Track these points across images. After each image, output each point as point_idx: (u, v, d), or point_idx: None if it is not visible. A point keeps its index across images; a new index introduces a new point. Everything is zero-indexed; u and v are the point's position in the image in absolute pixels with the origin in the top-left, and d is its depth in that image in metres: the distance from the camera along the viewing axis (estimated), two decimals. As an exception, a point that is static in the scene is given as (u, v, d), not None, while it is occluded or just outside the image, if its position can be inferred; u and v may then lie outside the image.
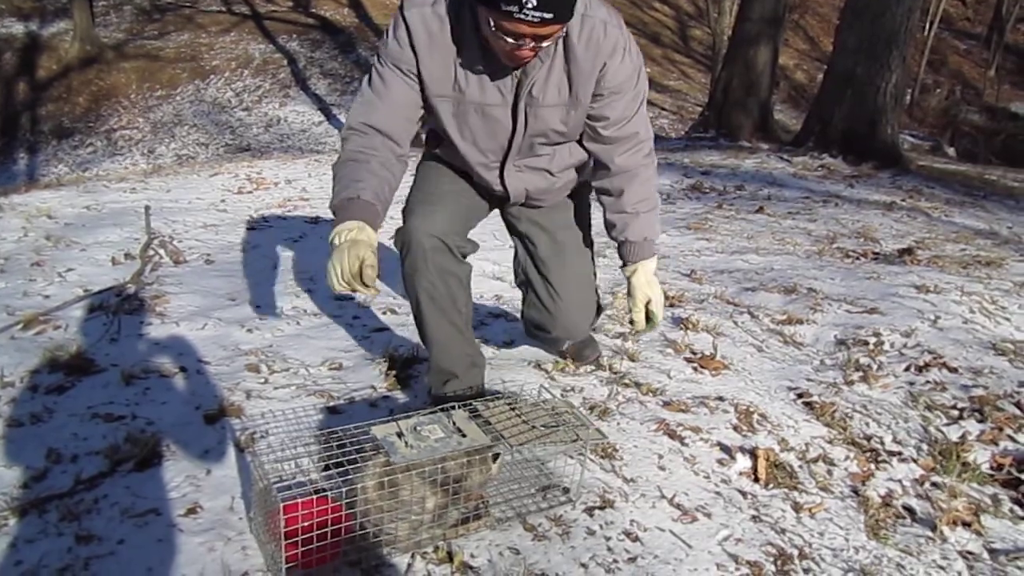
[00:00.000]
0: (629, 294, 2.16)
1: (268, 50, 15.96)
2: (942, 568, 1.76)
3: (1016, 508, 1.97)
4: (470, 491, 1.71)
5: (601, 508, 1.87)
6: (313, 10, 17.55)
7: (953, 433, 2.26)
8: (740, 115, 9.70)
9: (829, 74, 8.28)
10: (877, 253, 4.09)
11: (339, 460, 1.67)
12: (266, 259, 3.75)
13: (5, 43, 14.87)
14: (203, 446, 2.07)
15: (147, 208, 4.46)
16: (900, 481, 2.07)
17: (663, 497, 1.94)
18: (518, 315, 3.01)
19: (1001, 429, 2.26)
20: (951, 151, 13.30)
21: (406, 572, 1.63)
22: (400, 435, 1.68)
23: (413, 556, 1.67)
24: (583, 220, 2.33)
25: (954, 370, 2.60)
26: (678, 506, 1.91)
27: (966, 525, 1.90)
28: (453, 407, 1.82)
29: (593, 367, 2.58)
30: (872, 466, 2.13)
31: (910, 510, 1.96)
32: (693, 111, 15.38)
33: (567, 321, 2.34)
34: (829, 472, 2.10)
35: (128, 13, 16.90)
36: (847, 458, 2.16)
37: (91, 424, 2.18)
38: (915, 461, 2.15)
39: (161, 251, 3.78)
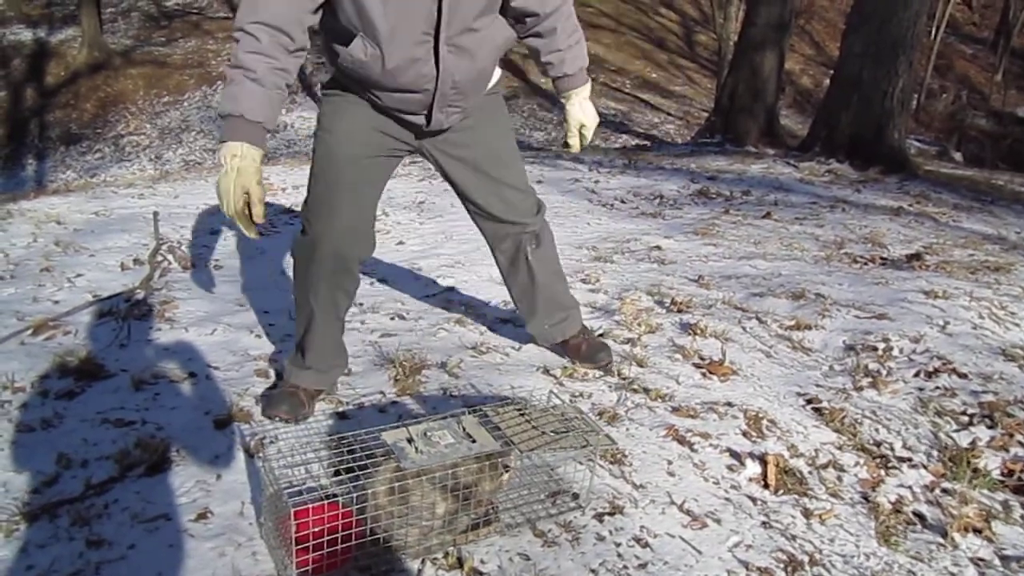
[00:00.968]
0: (566, 120, 2.40)
1: (275, 56, 15.98)
2: (953, 575, 1.76)
3: (1027, 514, 1.97)
4: (480, 497, 1.71)
5: (611, 514, 1.87)
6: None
7: (963, 439, 2.25)
8: (746, 120, 9.70)
9: (835, 79, 8.28)
10: (885, 258, 4.08)
11: (349, 465, 1.67)
12: (274, 264, 3.76)
13: (14, 50, 14.95)
14: (213, 451, 2.07)
15: (155, 214, 4.48)
16: (910, 487, 2.07)
17: (673, 503, 1.94)
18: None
19: (1012, 435, 2.25)
20: (958, 156, 13.26)
21: (416, 578, 1.63)
22: (410, 440, 1.69)
23: (423, 562, 1.67)
24: (507, 135, 2.41)
25: (964, 376, 2.59)
26: (688, 512, 1.91)
27: (977, 532, 1.89)
28: (463, 412, 1.82)
29: (601, 372, 2.58)
30: (882, 472, 2.13)
31: (921, 516, 1.96)
32: (699, 116, 15.39)
33: (513, 197, 2.39)
34: (839, 478, 2.10)
35: (136, 20, 16.98)
36: (857, 464, 2.16)
37: (101, 429, 2.18)
38: (925, 467, 2.15)
39: (170, 257, 3.80)
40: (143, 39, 16.37)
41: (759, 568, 1.73)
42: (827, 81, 10.21)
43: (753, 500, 1.98)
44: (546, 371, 2.58)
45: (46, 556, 1.66)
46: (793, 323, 3.03)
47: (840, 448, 2.23)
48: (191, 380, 2.49)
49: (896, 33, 7.38)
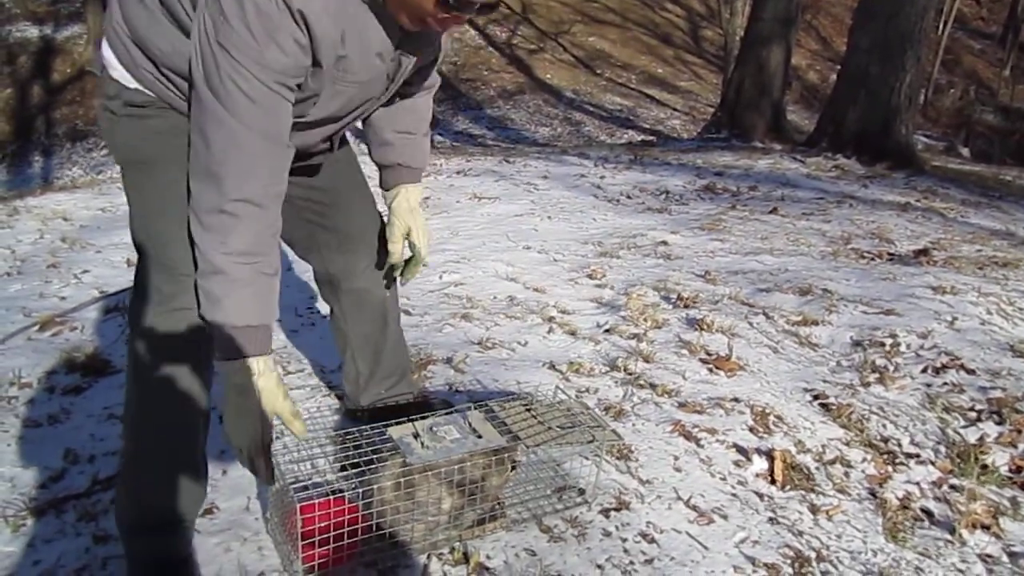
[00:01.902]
0: (393, 227, 1.90)
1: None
2: (961, 571, 1.75)
3: (1036, 511, 1.96)
4: (487, 492, 1.71)
5: (617, 509, 1.87)
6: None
7: (971, 435, 2.24)
8: (753, 116, 9.66)
9: (842, 74, 8.24)
10: (892, 254, 4.06)
11: (355, 461, 1.67)
12: (280, 260, 3.75)
13: (20, 47, 14.97)
14: (219, 447, 2.07)
15: (162, 210, 4.48)
16: (918, 483, 2.06)
17: (679, 499, 1.93)
18: (531, 316, 3.01)
19: (1020, 431, 2.24)
20: (965, 151, 13.20)
21: (422, 573, 1.63)
22: (416, 436, 1.69)
23: (429, 557, 1.67)
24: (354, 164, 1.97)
25: (972, 372, 2.58)
26: (694, 508, 1.90)
27: (985, 528, 1.88)
28: (469, 407, 1.82)
29: (608, 368, 2.57)
30: (890, 468, 2.12)
31: (928, 513, 1.95)
32: (705, 112, 15.35)
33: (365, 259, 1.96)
34: (846, 474, 2.09)
35: (142, 16, 17.00)
36: (864, 460, 2.15)
37: (108, 425, 2.19)
38: (933, 463, 2.14)
39: (176, 253, 3.80)
40: (149, 36, 16.38)
41: (766, 564, 1.72)
42: (834, 76, 10.18)
43: (760, 496, 1.97)
44: (552, 367, 2.58)
45: (53, 551, 1.67)
46: (800, 319, 3.02)
47: (847, 444, 2.22)
48: (197, 376, 2.49)
49: (903, 28, 7.34)
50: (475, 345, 2.73)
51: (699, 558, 1.73)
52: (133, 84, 1.51)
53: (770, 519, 1.89)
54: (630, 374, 2.55)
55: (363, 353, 2.06)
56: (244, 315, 1.42)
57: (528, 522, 1.80)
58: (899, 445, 2.22)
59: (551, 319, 3.00)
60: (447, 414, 1.80)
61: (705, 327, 2.90)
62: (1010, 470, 2.10)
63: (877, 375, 2.58)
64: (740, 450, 2.15)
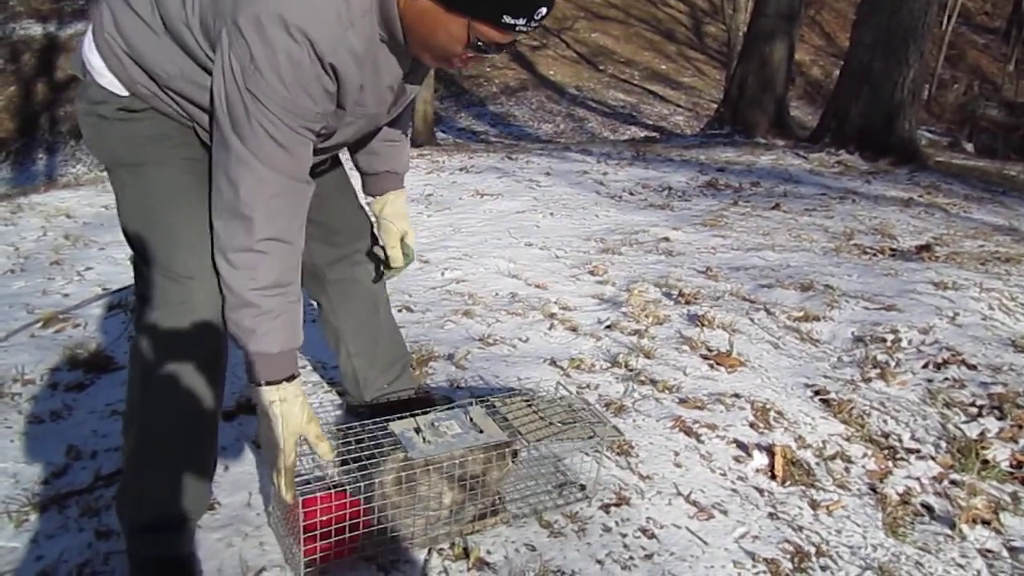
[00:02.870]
0: (385, 230, 1.91)
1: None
2: (961, 566, 1.75)
3: (1036, 506, 1.96)
4: (488, 487, 1.72)
5: (617, 505, 1.87)
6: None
7: (972, 431, 2.24)
8: (756, 112, 9.66)
9: (846, 70, 8.22)
10: (895, 249, 4.06)
11: (357, 455, 1.68)
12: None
13: (24, 44, 15.00)
14: (220, 442, 2.07)
15: (164, 207, 4.49)
16: (918, 479, 2.06)
17: (679, 494, 1.93)
18: (533, 312, 3.02)
19: (1021, 426, 2.24)
20: (969, 147, 13.17)
21: (423, 568, 1.64)
22: (418, 431, 1.69)
23: (429, 552, 1.68)
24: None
25: (973, 367, 2.58)
26: (694, 503, 1.91)
27: (985, 523, 1.88)
28: (471, 402, 1.83)
29: (609, 364, 2.58)
30: (890, 464, 2.12)
31: (928, 508, 1.95)
32: (708, 108, 15.34)
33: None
34: (847, 470, 2.09)
35: (145, 13, 17.02)
36: (865, 455, 2.15)
37: (110, 421, 2.19)
38: (933, 459, 2.14)
39: (178, 249, 3.81)
40: (152, 33, 16.41)
41: (765, 559, 1.73)
42: (837, 72, 10.15)
43: (760, 491, 1.98)
44: (553, 363, 2.58)
45: (55, 546, 1.68)
46: (801, 314, 3.02)
47: (848, 439, 2.22)
48: (200, 372, 2.50)
49: (907, 23, 7.32)
50: (476, 341, 2.74)
51: (699, 553, 1.74)
52: (124, 93, 1.50)
53: (770, 514, 1.89)
54: (631, 370, 2.55)
55: (358, 344, 2.04)
56: (275, 343, 1.46)
57: (528, 517, 1.80)
58: (900, 441, 2.22)
59: (552, 315, 3.00)
60: (448, 409, 1.80)
61: (706, 323, 2.90)
62: (1011, 465, 2.10)
63: (878, 371, 2.58)
64: (740, 446, 2.16)
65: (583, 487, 1.92)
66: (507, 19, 1.32)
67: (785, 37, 9.59)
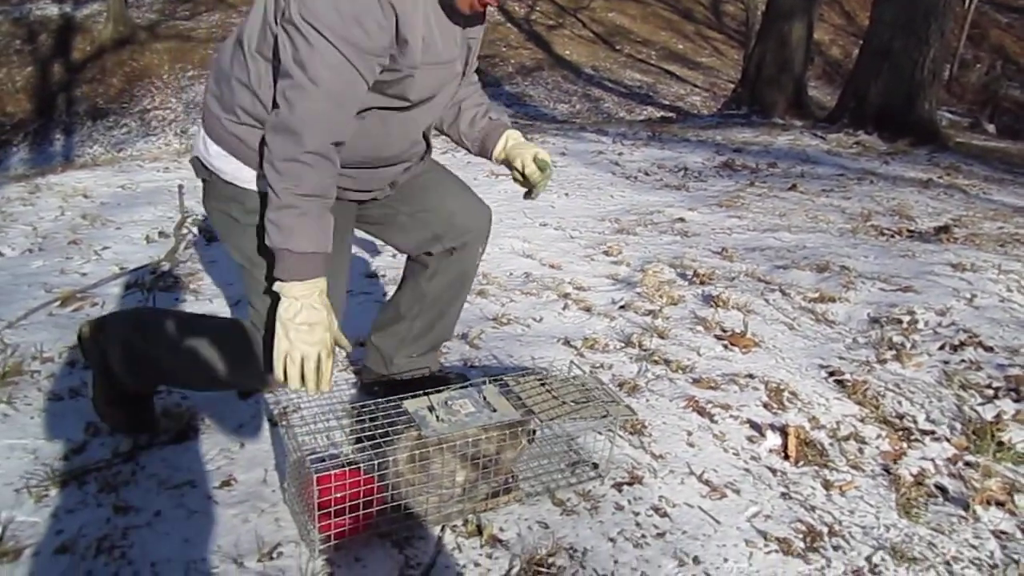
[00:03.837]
0: (515, 158, 1.96)
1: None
2: (974, 547, 1.75)
3: (1052, 488, 1.95)
4: (501, 465, 1.72)
5: (630, 484, 1.88)
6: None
7: (988, 412, 2.23)
8: (774, 91, 9.57)
9: (865, 49, 8.13)
10: (912, 231, 4.02)
11: (371, 433, 1.69)
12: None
13: (40, 25, 15.05)
14: (237, 420, 2.10)
15: (180, 187, 4.51)
16: (933, 460, 2.05)
17: (692, 473, 1.94)
18: (547, 292, 3.02)
19: (1037, 408, 2.23)
20: (991, 128, 13.00)
21: (436, 544, 1.65)
22: (431, 409, 1.70)
23: (443, 529, 1.69)
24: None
25: (990, 349, 2.56)
26: (707, 482, 1.91)
27: (999, 504, 1.88)
28: (484, 381, 1.83)
29: (623, 344, 2.58)
30: (904, 445, 2.12)
31: (942, 489, 1.95)
32: (726, 88, 15.20)
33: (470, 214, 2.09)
34: (860, 450, 2.09)
35: (160, -6, 17.03)
36: (879, 436, 2.15)
37: (128, 398, 2.21)
38: (948, 440, 2.13)
39: (195, 229, 3.83)
40: (168, 13, 16.42)
41: (777, 538, 1.73)
42: (857, 51, 10.04)
43: (773, 471, 1.98)
44: (567, 342, 2.58)
45: (75, 521, 1.70)
46: (817, 295, 3.01)
47: (862, 420, 2.22)
48: (216, 350, 2.52)
49: (928, 1, 7.22)
50: (491, 321, 2.75)
51: (711, 532, 1.74)
52: (252, 187, 1.68)
53: (783, 494, 1.89)
54: (645, 350, 2.55)
55: (429, 313, 2.12)
56: (311, 243, 1.57)
57: (541, 495, 1.81)
58: (914, 422, 2.21)
59: (566, 295, 3.00)
60: (462, 388, 1.81)
61: (721, 304, 2.89)
62: (1026, 447, 2.09)
63: (894, 352, 2.57)
64: (754, 426, 2.15)
65: (596, 466, 1.93)
66: None
67: (804, 16, 9.47)
